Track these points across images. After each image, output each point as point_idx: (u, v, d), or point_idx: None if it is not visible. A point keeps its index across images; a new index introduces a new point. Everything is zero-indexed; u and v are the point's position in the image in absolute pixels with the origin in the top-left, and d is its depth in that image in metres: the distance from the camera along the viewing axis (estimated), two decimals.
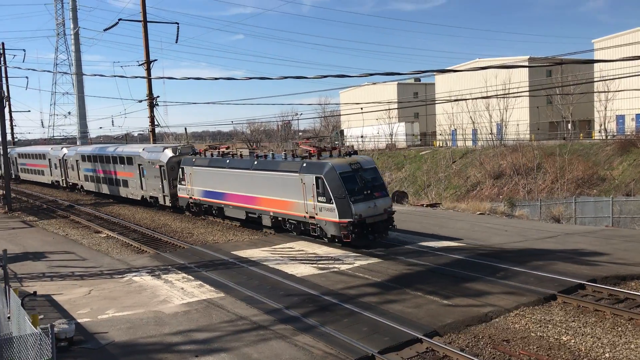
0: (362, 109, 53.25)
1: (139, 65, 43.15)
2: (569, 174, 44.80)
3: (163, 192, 32.23)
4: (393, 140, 71.49)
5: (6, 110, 52.39)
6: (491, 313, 13.00)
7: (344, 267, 17.80)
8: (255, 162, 24.95)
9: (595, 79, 53.60)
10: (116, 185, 38.19)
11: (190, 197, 29.53)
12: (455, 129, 67.44)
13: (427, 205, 32.72)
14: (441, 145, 68.11)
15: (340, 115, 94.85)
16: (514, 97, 53.59)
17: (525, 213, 32.01)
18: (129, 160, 35.65)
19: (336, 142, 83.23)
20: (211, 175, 27.69)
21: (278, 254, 20.25)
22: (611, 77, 40.81)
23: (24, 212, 35.77)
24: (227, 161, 26.82)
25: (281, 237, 23.46)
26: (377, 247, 20.33)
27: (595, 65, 55.30)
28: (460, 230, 23.63)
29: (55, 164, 48.13)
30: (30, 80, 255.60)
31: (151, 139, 44.68)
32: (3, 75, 40.09)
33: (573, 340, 11.41)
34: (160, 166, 32.01)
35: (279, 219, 23.73)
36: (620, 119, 56.78)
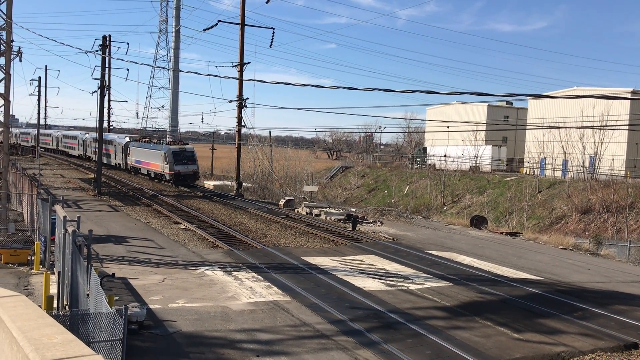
0: (448, 127, 52.32)
1: (233, 66, 44.50)
2: None
3: (123, 160, 57.46)
4: (478, 163, 69.72)
5: (105, 98, 58.99)
6: (564, 353, 12.33)
7: (413, 286, 17.48)
8: (151, 145, 50.35)
9: None
10: (105, 157, 61.03)
11: (131, 163, 55.16)
12: (545, 158, 64.91)
13: (506, 234, 31.63)
14: (528, 173, 65.69)
15: (425, 132, 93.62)
16: (611, 129, 50.93)
17: (612, 253, 30.22)
18: (110, 142, 60.45)
19: (418, 159, 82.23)
20: (137, 151, 52.99)
21: (347, 265, 20.19)
22: None
23: (111, 196, 37.66)
24: (144, 144, 52.24)
25: (352, 249, 23.41)
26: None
27: None
28: (539, 263, 22.64)
29: (80, 143, 73.21)
30: (130, 73, 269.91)
31: (237, 139, 45.92)
32: (107, 65, 42.67)
33: None
34: (122, 146, 57.14)
35: (157, 173, 48.48)
36: None
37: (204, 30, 61.86)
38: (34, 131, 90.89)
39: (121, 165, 57.82)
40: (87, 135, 71.27)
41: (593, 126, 50.43)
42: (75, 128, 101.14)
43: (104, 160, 60.99)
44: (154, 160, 48.49)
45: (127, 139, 56.97)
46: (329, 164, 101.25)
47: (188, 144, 51.50)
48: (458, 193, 61.30)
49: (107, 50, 43.50)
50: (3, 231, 23.88)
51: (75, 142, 74.63)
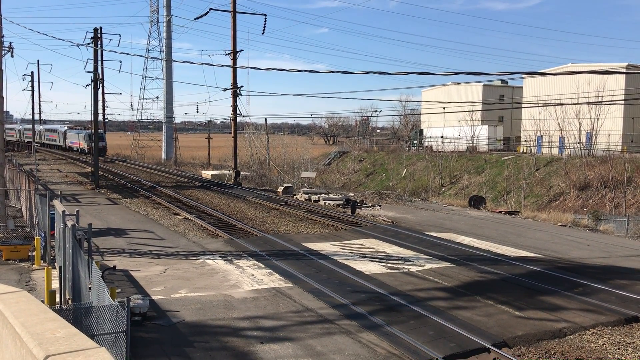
0: (444, 108, 52.25)
1: (226, 54, 44.29)
2: None
3: (63, 142, 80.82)
4: (474, 143, 69.72)
5: (98, 91, 59.12)
6: (566, 329, 12.43)
7: (413, 268, 17.56)
8: (78, 130, 75.78)
9: None
10: (52, 142, 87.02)
11: (67, 144, 77.56)
12: (542, 136, 64.92)
13: (505, 213, 31.72)
14: (525, 151, 65.72)
15: (420, 114, 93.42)
16: (607, 104, 50.85)
17: (611, 228, 30.35)
18: (55, 131, 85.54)
19: (414, 141, 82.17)
20: (70, 136, 77.08)
21: (348, 249, 20.25)
22: None
23: (109, 189, 37.62)
24: (74, 130, 77.09)
25: (352, 233, 23.47)
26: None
27: None
28: (538, 241, 22.74)
29: (37, 133, 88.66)
30: (123, 64, 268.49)
31: (233, 128, 45.83)
32: (99, 58, 42.45)
33: None
34: (62, 132, 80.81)
35: (81, 149, 72.27)
36: None
37: (196, 19, 61.40)
38: (37, 127, 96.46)
39: (63, 146, 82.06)
40: (41, 127, 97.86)
41: (589, 102, 50.35)
42: (70, 122, 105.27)
43: (53, 144, 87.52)
44: (80, 141, 73.77)
45: (66, 128, 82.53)
46: (326, 149, 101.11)
47: (100, 129, 78.68)
48: (456, 174, 61.37)
49: (99, 42, 43.21)
50: (3, 228, 23.87)
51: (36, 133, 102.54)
